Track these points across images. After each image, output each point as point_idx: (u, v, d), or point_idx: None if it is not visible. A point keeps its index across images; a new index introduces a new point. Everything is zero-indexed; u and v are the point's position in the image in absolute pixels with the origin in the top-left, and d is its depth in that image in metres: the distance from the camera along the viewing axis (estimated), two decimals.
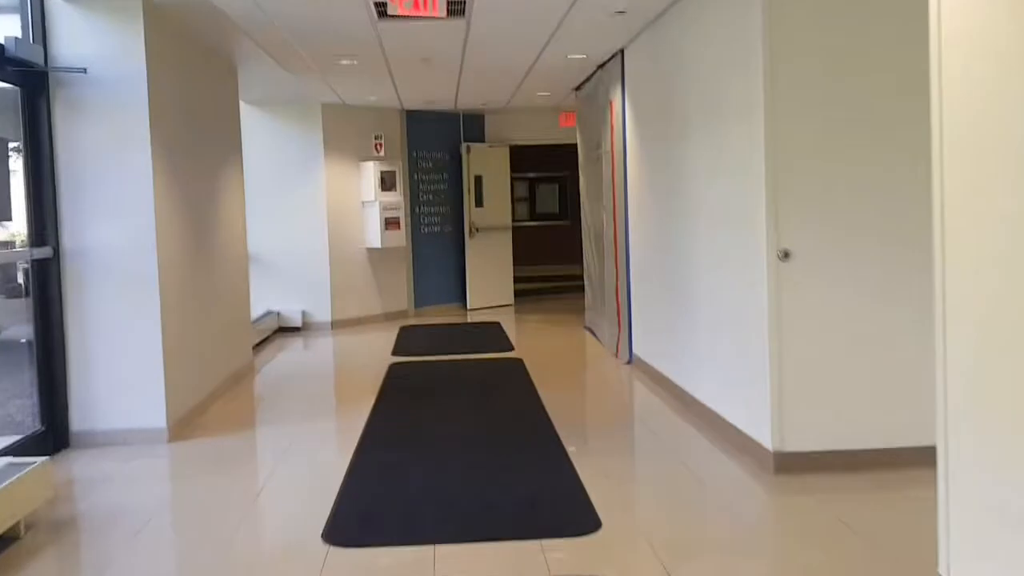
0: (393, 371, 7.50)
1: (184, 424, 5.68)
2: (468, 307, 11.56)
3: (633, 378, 7.03)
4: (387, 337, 9.51)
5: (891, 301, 4.34)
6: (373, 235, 10.63)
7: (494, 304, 11.81)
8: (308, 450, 5.27)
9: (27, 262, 5.20)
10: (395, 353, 8.51)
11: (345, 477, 4.52)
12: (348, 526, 3.84)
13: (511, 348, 8.59)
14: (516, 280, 12.22)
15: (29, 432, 5.12)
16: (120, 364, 5.35)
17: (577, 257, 10.23)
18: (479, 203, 11.68)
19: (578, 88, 9.40)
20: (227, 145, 7.33)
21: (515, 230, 12.36)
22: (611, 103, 7.87)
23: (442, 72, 8.21)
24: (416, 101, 10.42)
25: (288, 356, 8.81)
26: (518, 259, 12.26)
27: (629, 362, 7.50)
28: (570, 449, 4.92)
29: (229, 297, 7.14)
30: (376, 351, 8.70)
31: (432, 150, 11.49)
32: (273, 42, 6.56)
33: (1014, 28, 2.35)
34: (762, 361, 4.43)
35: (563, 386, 6.93)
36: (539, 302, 12.36)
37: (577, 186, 10.01)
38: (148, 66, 5.31)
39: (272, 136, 10.11)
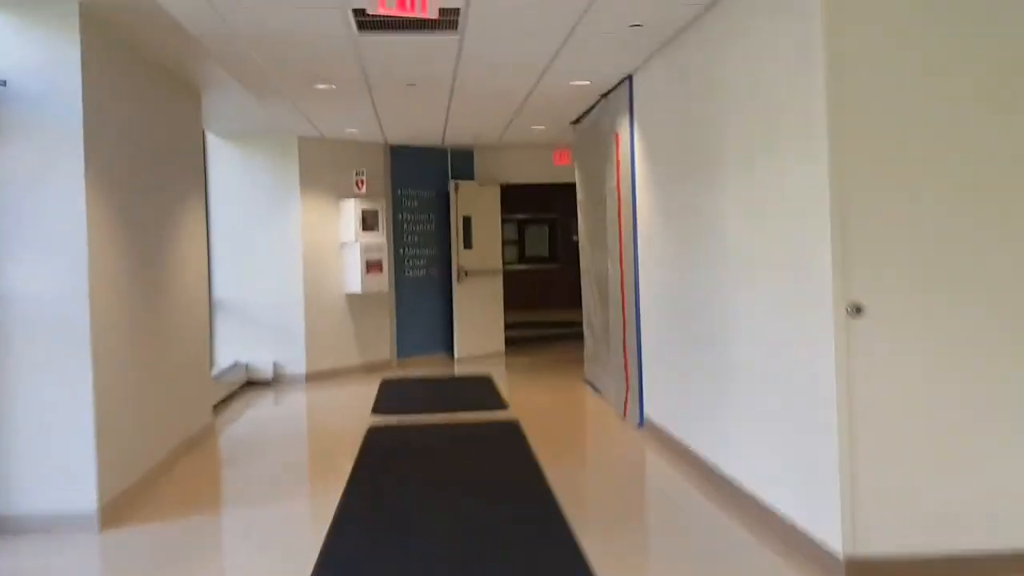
0: (372, 438, 6.53)
1: (121, 506, 4.75)
2: (456, 356, 10.68)
3: (646, 447, 6.13)
4: (367, 392, 8.59)
5: (997, 367, 3.52)
6: (353, 279, 9.76)
7: (483, 353, 10.93)
8: (266, 543, 4.35)
9: None
10: (375, 411, 7.59)
11: None
12: None
13: (504, 406, 7.68)
14: (505, 327, 11.38)
15: None
16: (43, 433, 4.46)
17: (567, 303, 9.47)
18: (468, 245, 10.87)
19: (576, 121, 8.66)
20: (187, 177, 6.47)
21: (504, 274, 11.56)
22: (617, 135, 7.09)
23: (430, 99, 7.43)
24: (400, 135, 9.64)
25: (256, 414, 7.87)
26: (506, 304, 11.45)
27: (640, 425, 6.62)
28: (589, 554, 4.00)
29: (184, 350, 6.22)
30: (354, 409, 7.78)
31: (418, 188, 10.68)
32: (238, 61, 5.75)
33: None
34: (828, 439, 3.58)
35: (570, 461, 6.10)
36: (531, 351, 11.48)
37: (568, 229, 9.24)
38: (84, 81, 4.48)
39: (244, 171, 9.25)
